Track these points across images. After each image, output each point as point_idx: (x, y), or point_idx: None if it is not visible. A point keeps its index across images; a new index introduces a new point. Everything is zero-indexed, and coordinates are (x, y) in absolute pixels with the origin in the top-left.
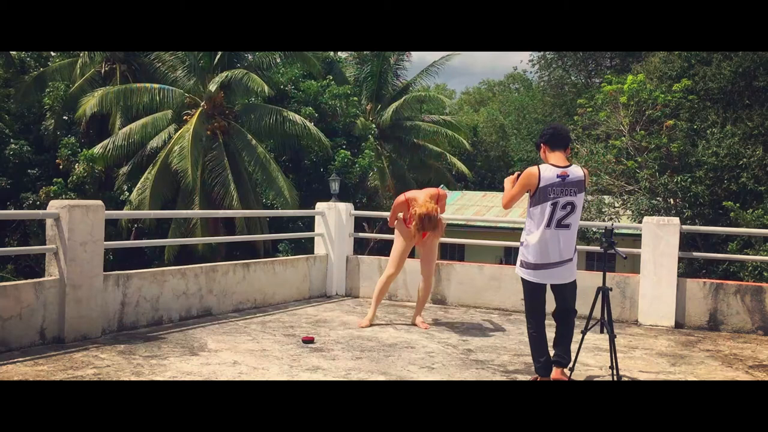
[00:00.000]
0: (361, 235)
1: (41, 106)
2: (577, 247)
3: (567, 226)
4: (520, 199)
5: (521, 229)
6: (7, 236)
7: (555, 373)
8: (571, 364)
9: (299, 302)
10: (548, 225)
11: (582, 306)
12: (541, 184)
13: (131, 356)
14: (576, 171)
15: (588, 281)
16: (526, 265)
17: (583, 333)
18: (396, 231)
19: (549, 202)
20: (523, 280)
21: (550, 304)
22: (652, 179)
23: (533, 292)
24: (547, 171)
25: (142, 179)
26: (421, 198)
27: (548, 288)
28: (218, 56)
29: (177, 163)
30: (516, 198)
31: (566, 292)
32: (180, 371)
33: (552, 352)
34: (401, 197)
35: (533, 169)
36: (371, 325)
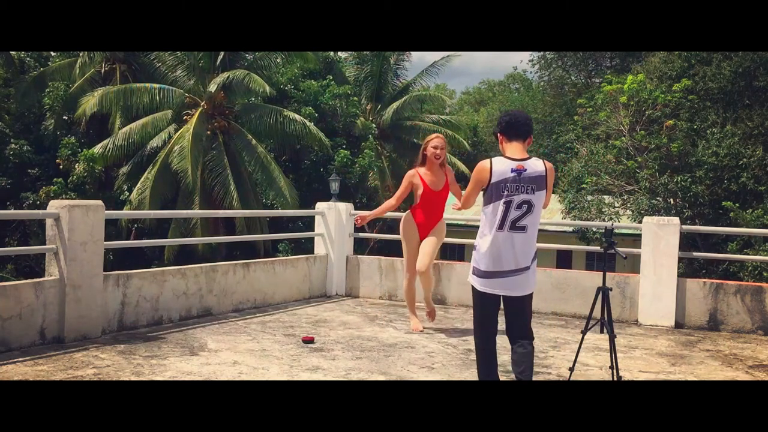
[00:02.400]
0: (361, 235)
1: (41, 106)
2: (576, 247)
3: (522, 228)
4: (478, 196)
5: None
6: (7, 236)
7: None
8: (570, 365)
9: (299, 302)
10: (501, 227)
11: (582, 306)
12: (493, 180)
13: (131, 356)
14: (535, 165)
15: (588, 281)
16: (477, 273)
17: (583, 333)
18: (402, 236)
19: (502, 201)
20: (472, 288)
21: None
22: (652, 179)
23: (483, 304)
24: (501, 164)
25: (142, 179)
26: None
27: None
28: (218, 56)
29: (177, 163)
30: (471, 196)
31: (519, 307)
32: (180, 371)
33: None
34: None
35: (485, 163)
36: (422, 330)
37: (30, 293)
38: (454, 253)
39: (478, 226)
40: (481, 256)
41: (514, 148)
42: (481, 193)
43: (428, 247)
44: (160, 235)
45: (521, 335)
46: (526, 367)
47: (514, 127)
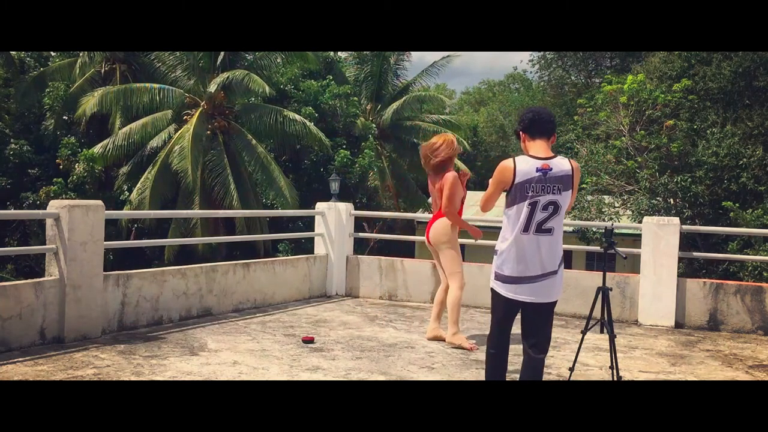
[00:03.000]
0: (361, 235)
1: (41, 106)
2: (576, 247)
3: (549, 231)
4: (499, 198)
5: None
6: (7, 236)
7: None
8: (570, 365)
9: (299, 302)
10: (526, 229)
11: (582, 306)
12: (517, 180)
13: (131, 356)
14: (561, 164)
15: (588, 281)
16: (501, 278)
17: (583, 333)
18: (451, 242)
19: (527, 202)
20: (494, 292)
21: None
22: (652, 179)
23: (505, 309)
24: (525, 164)
25: (142, 179)
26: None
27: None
28: (218, 56)
29: (177, 163)
30: (492, 198)
31: (543, 316)
32: (180, 371)
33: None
34: (451, 175)
35: (508, 162)
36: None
37: (30, 293)
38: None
39: (478, 226)
40: (503, 260)
41: (538, 147)
42: (504, 194)
43: (445, 260)
44: (160, 235)
45: (538, 347)
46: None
47: (537, 124)
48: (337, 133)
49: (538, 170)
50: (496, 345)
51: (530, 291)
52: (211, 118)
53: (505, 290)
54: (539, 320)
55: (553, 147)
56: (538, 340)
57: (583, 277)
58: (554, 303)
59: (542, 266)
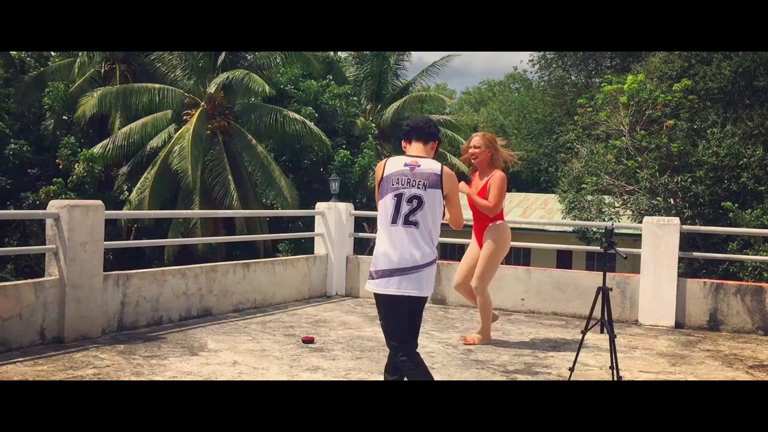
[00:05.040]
0: (361, 235)
1: (41, 106)
2: (576, 247)
3: (415, 224)
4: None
5: (523, 229)
6: (7, 236)
7: None
8: (570, 365)
9: (299, 302)
10: (394, 221)
11: (582, 306)
12: (386, 173)
13: (131, 356)
14: (432, 164)
15: (588, 281)
16: (372, 275)
17: (583, 333)
18: (502, 247)
19: (392, 194)
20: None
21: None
22: (652, 179)
23: (381, 310)
24: (395, 161)
25: (141, 179)
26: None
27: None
28: (218, 57)
29: (177, 163)
30: (376, 195)
31: (402, 311)
32: (180, 371)
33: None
34: (500, 175)
35: (382, 161)
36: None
37: (30, 293)
38: (454, 252)
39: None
40: (375, 257)
41: (413, 149)
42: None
43: (480, 261)
44: (160, 235)
45: (400, 352)
46: (400, 378)
47: (414, 131)
48: (337, 133)
49: (406, 165)
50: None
51: (391, 283)
52: (211, 118)
53: (373, 286)
54: (401, 316)
55: (554, 147)
56: (403, 333)
57: (583, 277)
58: (424, 299)
59: (406, 258)
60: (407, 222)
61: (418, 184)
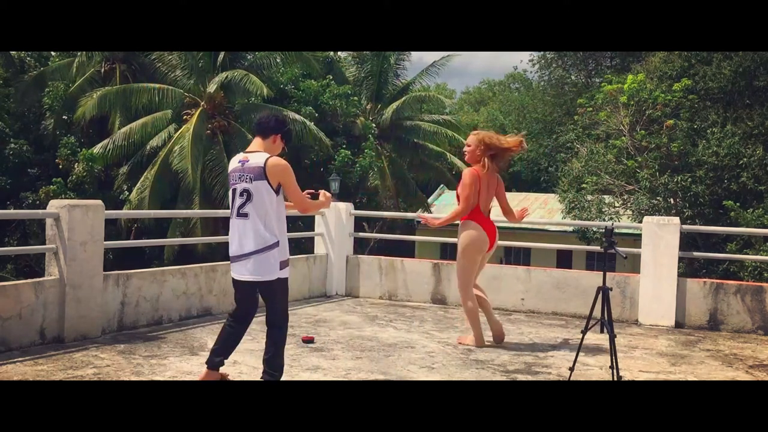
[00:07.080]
0: (361, 234)
1: (41, 106)
2: (576, 247)
3: (245, 216)
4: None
5: (521, 229)
6: (7, 236)
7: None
8: (570, 365)
9: (299, 302)
10: (232, 214)
11: (582, 306)
12: (229, 171)
13: (131, 356)
14: (258, 158)
15: (588, 281)
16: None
17: (583, 333)
18: (462, 240)
19: (231, 189)
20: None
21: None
22: (652, 179)
23: (234, 287)
24: (234, 159)
25: (141, 179)
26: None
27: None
28: (218, 57)
29: (177, 162)
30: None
31: (263, 294)
32: (180, 371)
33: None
34: (466, 172)
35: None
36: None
37: (30, 293)
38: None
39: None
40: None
41: (253, 144)
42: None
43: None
44: (160, 234)
45: (268, 320)
46: (272, 356)
47: (255, 126)
48: (337, 133)
49: (239, 161)
50: (230, 320)
51: (234, 269)
52: (211, 117)
53: (232, 270)
54: (264, 297)
55: (554, 146)
56: (267, 316)
57: (583, 277)
58: (266, 282)
59: (240, 247)
60: (239, 214)
61: (247, 178)
